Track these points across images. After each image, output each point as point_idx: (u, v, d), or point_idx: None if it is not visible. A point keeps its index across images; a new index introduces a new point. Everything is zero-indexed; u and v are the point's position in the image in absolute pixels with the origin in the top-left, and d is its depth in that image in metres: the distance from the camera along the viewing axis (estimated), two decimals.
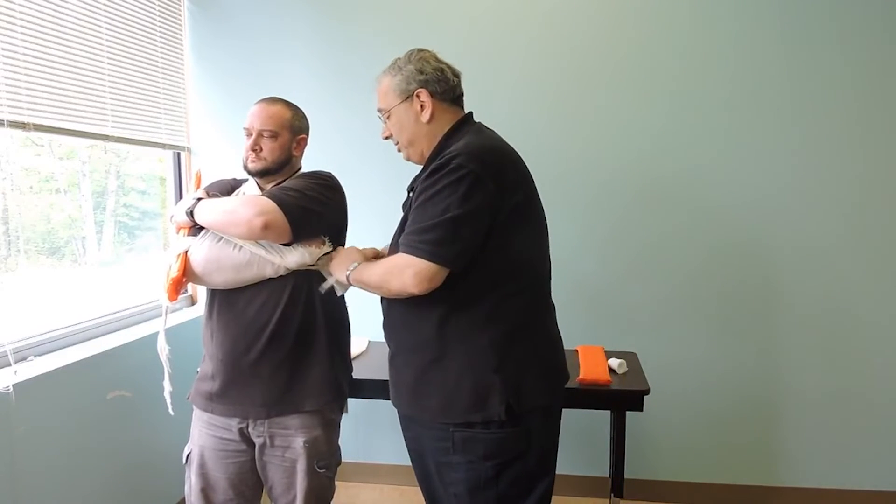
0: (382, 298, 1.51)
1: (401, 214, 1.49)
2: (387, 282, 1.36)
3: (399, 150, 1.53)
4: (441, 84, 1.44)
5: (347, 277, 1.48)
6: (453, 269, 1.31)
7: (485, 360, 1.34)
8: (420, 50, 1.48)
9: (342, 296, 1.65)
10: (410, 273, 1.30)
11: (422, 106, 1.44)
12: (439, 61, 1.47)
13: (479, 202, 1.29)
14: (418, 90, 1.43)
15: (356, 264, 1.47)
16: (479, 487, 1.38)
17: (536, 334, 1.43)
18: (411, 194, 1.46)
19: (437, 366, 1.38)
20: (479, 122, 1.51)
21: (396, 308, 1.46)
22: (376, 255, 1.59)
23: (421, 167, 1.49)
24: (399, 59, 1.48)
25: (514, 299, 1.37)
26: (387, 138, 1.53)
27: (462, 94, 1.51)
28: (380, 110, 1.51)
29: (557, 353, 1.50)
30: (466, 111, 1.52)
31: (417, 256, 1.30)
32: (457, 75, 1.49)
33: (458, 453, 1.37)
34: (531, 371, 1.38)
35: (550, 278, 1.52)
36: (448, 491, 1.42)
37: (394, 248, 1.46)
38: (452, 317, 1.36)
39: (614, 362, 2.16)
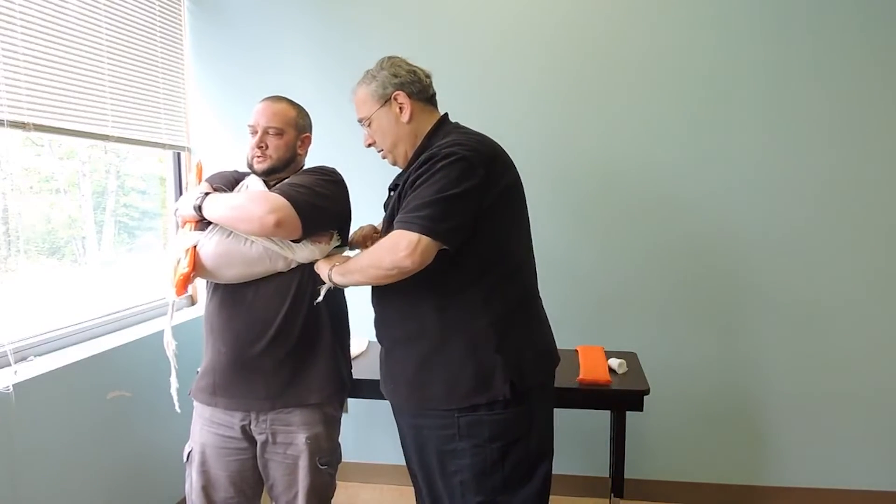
0: (374, 295, 1.53)
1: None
2: (379, 259, 1.36)
3: (384, 157, 1.57)
4: (416, 85, 1.50)
5: (330, 277, 1.50)
6: (445, 244, 1.33)
7: (486, 341, 1.38)
8: (390, 56, 1.54)
9: (343, 293, 1.66)
10: (404, 244, 1.31)
11: (401, 108, 1.49)
12: (410, 64, 1.53)
13: (471, 185, 1.33)
14: (395, 92, 1.49)
15: (330, 272, 1.50)
16: (485, 472, 1.40)
17: (531, 316, 1.49)
18: (393, 193, 1.51)
19: (438, 353, 1.40)
20: (457, 122, 1.56)
21: (392, 301, 1.48)
22: (374, 231, 1.71)
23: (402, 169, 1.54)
24: (370, 69, 1.54)
25: (506, 283, 1.42)
26: (370, 146, 1.57)
27: (435, 94, 1.56)
28: (360, 120, 1.55)
29: (548, 336, 1.55)
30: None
31: (412, 231, 1.32)
32: (428, 76, 1.55)
33: (464, 438, 1.40)
34: (529, 349, 1.43)
35: (535, 269, 1.56)
36: (453, 480, 1.43)
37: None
38: (449, 304, 1.39)
39: (614, 362, 2.17)
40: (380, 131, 1.52)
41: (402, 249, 1.31)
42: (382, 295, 1.50)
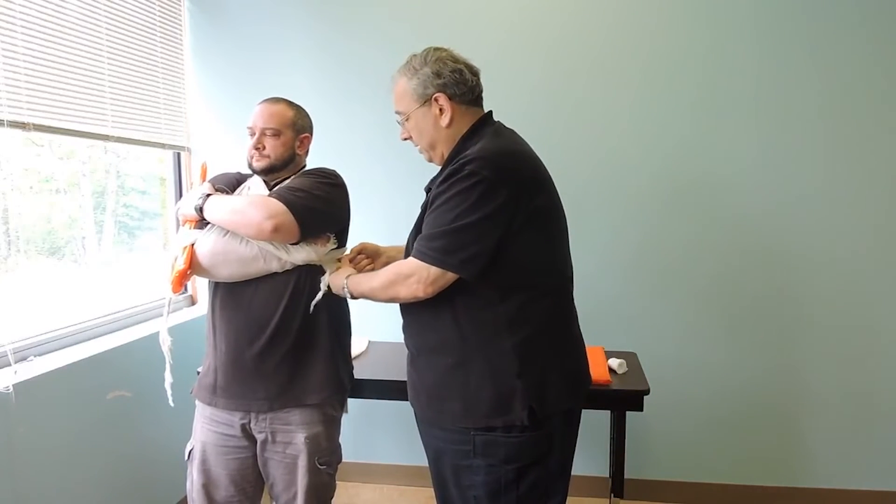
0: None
1: (411, 209, 1.49)
2: (395, 290, 1.38)
3: (420, 152, 1.50)
4: (460, 86, 1.40)
5: (346, 290, 1.51)
6: (462, 274, 1.31)
7: (507, 365, 1.33)
8: (436, 49, 1.44)
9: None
10: (415, 278, 1.33)
11: (441, 110, 1.41)
12: (457, 60, 1.43)
13: (491, 209, 1.28)
14: (436, 94, 1.40)
15: (346, 280, 1.50)
16: (499, 491, 1.37)
17: (559, 338, 1.41)
18: (429, 195, 1.43)
19: (458, 369, 1.36)
20: (499, 122, 1.48)
21: (416, 310, 1.44)
22: (363, 249, 1.67)
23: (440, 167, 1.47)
24: (415, 58, 1.44)
25: (536, 303, 1.36)
26: (406, 139, 1.50)
27: (481, 92, 1.47)
28: (397, 112, 1.48)
29: (580, 358, 1.48)
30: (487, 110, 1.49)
31: (424, 262, 1.31)
32: (475, 73, 1.45)
33: (479, 457, 1.36)
34: (554, 375, 1.36)
35: (573, 280, 1.50)
36: (467, 494, 1.41)
37: (409, 247, 1.46)
38: (472, 322, 1.35)
39: (614, 362, 2.17)
40: (417, 130, 1.45)
41: (414, 283, 1.33)
42: (409, 303, 1.45)
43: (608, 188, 2.61)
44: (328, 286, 1.60)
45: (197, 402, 1.73)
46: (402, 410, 2.48)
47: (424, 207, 1.41)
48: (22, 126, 1.91)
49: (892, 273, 2.49)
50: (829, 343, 2.54)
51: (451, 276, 1.31)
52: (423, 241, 1.33)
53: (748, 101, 2.50)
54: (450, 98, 1.40)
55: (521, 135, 1.48)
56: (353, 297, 1.53)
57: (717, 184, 2.54)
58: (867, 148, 2.46)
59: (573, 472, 1.51)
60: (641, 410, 2.02)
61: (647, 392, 2.00)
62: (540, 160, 1.44)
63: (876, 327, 2.51)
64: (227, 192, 1.67)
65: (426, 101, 1.41)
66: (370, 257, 1.72)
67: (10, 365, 1.81)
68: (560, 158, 2.57)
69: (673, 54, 2.53)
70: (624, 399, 2.02)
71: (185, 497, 1.77)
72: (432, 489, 1.54)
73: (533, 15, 2.60)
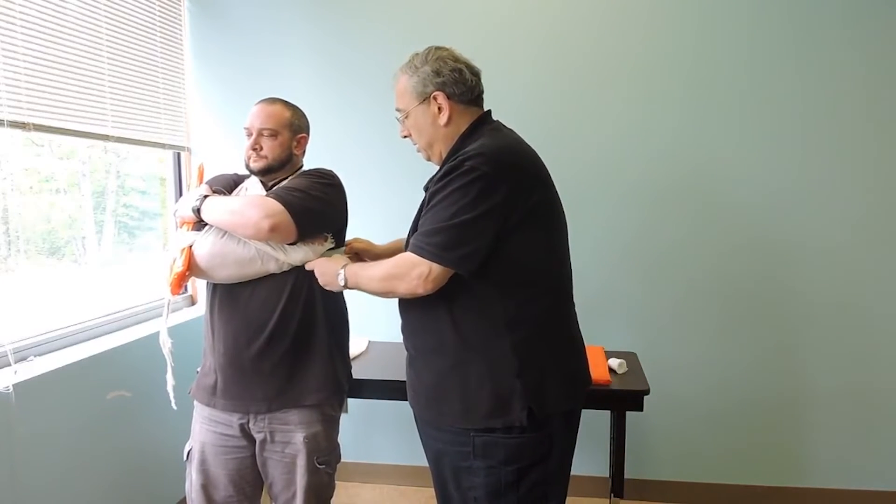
0: (399, 302, 1.49)
1: (408, 212, 1.48)
2: (392, 285, 1.37)
3: (418, 151, 1.51)
4: (459, 85, 1.41)
5: (345, 283, 1.48)
6: (460, 271, 1.30)
7: (506, 365, 1.33)
8: (437, 48, 1.45)
9: (342, 294, 1.66)
10: (416, 274, 1.31)
11: (439, 108, 1.41)
12: (457, 60, 1.43)
13: (490, 205, 1.28)
14: (435, 93, 1.41)
15: (342, 270, 1.47)
16: (499, 492, 1.37)
17: (559, 338, 1.41)
18: (428, 192, 1.43)
19: (457, 370, 1.36)
20: (497, 121, 1.48)
21: (414, 311, 1.44)
22: (356, 249, 1.65)
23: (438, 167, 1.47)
24: (416, 56, 1.45)
25: (535, 303, 1.36)
26: (405, 137, 1.51)
27: (482, 92, 1.47)
28: (397, 110, 1.48)
29: (579, 358, 1.47)
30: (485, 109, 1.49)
31: (423, 257, 1.31)
32: (476, 73, 1.45)
33: (479, 458, 1.36)
34: (553, 376, 1.36)
35: (572, 280, 1.49)
36: (467, 495, 1.40)
37: (408, 245, 1.46)
38: (471, 322, 1.35)
39: (614, 362, 2.17)
40: (416, 129, 1.46)
41: (414, 279, 1.31)
42: (406, 304, 1.46)
43: (600, 185, 2.60)
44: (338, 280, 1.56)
45: (195, 402, 1.73)
46: (401, 410, 2.48)
47: (422, 206, 1.41)
48: (22, 126, 1.91)
49: (887, 264, 2.49)
50: (828, 339, 2.54)
51: (448, 273, 1.31)
52: (421, 236, 1.32)
53: (736, 95, 2.50)
54: (448, 97, 1.41)
55: (512, 125, 1.48)
56: (346, 288, 1.50)
57: (709, 178, 2.54)
58: (854, 140, 2.46)
59: (573, 472, 1.51)
60: (641, 410, 2.02)
61: (647, 392, 2.00)
62: (540, 159, 1.44)
63: (874, 321, 2.51)
64: (225, 194, 1.67)
65: (425, 99, 1.42)
66: (358, 254, 1.74)
67: (10, 365, 1.81)
68: (550, 156, 2.58)
69: (662, 51, 2.54)
70: (624, 399, 2.02)
71: (185, 497, 1.77)
72: (432, 489, 1.54)
73: (524, 13, 2.60)
